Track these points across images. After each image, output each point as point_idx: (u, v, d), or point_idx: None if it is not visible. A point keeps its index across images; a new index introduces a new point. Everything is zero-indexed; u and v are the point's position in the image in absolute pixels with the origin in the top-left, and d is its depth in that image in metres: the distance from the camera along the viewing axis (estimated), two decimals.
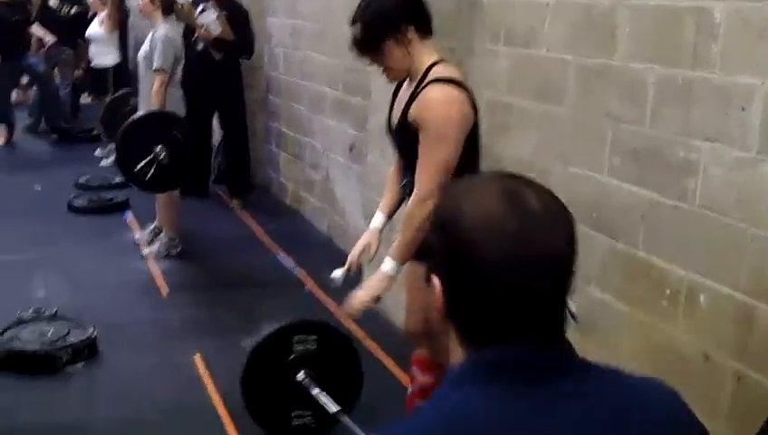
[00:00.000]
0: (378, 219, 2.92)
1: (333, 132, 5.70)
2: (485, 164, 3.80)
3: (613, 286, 3.06)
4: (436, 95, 2.54)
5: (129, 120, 4.98)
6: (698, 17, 2.63)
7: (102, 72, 8.67)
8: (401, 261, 2.58)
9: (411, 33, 2.61)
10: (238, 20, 6.53)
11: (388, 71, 2.70)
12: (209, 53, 6.45)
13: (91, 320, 4.08)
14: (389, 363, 3.96)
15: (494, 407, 0.99)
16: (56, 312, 4.20)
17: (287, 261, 5.31)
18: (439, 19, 3.87)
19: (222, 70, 6.54)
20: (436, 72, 2.59)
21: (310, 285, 4.92)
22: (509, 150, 3.65)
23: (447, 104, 2.54)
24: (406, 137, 2.63)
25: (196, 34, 6.43)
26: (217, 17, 6.38)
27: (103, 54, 8.57)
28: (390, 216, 2.94)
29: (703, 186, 2.64)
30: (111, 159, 7.38)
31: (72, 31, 9.11)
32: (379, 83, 4.41)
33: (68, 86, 9.63)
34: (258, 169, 7.20)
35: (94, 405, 3.52)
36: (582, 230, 3.19)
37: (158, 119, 4.97)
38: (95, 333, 3.97)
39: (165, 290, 4.83)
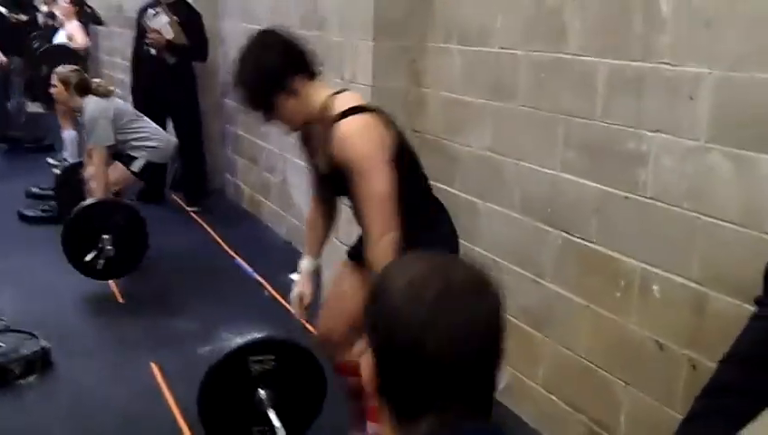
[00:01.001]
0: (306, 263, 2.86)
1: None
2: (441, 162, 3.82)
3: (568, 280, 3.07)
4: (346, 131, 2.40)
5: (69, 216, 4.85)
6: (646, 9, 2.65)
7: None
8: None
9: (298, 83, 2.49)
10: (191, 24, 6.46)
11: (286, 124, 2.60)
12: (162, 57, 6.38)
13: (45, 331, 3.99)
14: None
15: None
16: (8, 325, 4.10)
17: (245, 267, 5.26)
18: (392, 18, 3.91)
19: (175, 74, 6.47)
20: (338, 106, 2.46)
21: (269, 289, 4.87)
22: (464, 148, 3.65)
23: (360, 136, 2.41)
24: (341, 180, 2.49)
25: (148, 40, 6.37)
26: (169, 22, 6.32)
27: None
28: (318, 255, 2.89)
29: (654, 176, 2.66)
30: (65, 164, 7.26)
31: (19, 37, 8.97)
32: (333, 86, 4.40)
33: (19, 95, 9.45)
34: (215, 175, 7.13)
35: (49, 418, 3.42)
36: (537, 225, 3.20)
37: (97, 209, 4.88)
38: (48, 344, 3.88)
39: (120, 298, 4.76)
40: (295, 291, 2.84)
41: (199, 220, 6.40)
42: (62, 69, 5.32)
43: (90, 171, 5.26)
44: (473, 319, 1.03)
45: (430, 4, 3.83)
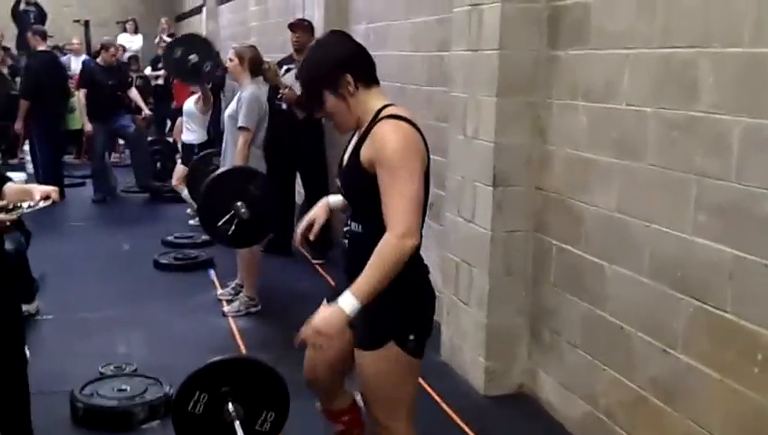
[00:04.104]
0: (336, 198, 2.90)
1: None
2: (565, 221, 3.70)
3: (700, 351, 2.87)
4: (389, 129, 2.41)
5: (208, 178, 5.06)
6: None
7: (189, 148, 8.88)
8: (363, 302, 2.32)
9: (351, 82, 2.49)
10: None
11: (334, 122, 2.60)
12: (292, 112, 6.56)
13: (170, 377, 4.08)
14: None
15: None
16: (136, 368, 4.25)
17: None
18: (516, 74, 3.86)
19: (305, 129, 6.63)
20: (386, 112, 2.48)
21: None
22: (590, 208, 3.53)
23: (404, 137, 2.40)
24: (356, 179, 2.51)
25: (280, 94, 6.57)
26: None
27: (192, 132, 8.69)
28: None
29: None
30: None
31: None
32: (456, 142, 4.38)
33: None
34: (340, 228, 7.20)
35: None
36: (667, 291, 3.03)
37: (235, 175, 5.04)
38: (172, 390, 3.97)
39: (243, 348, 4.83)
40: (310, 214, 2.91)
41: (323, 272, 6.47)
42: (240, 45, 5.57)
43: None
44: None
45: (556, 59, 3.76)
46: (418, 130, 2.49)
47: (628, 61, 3.24)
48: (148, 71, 12.26)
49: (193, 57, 7.69)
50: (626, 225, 3.27)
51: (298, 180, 7.07)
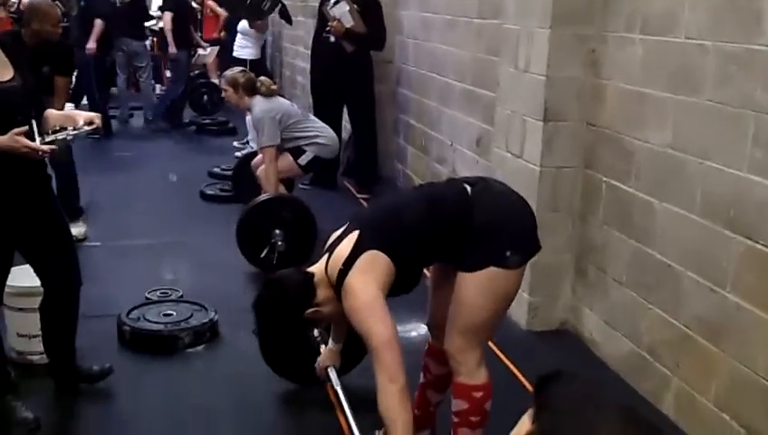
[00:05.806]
0: (336, 345, 3.12)
1: (461, 125, 5.61)
2: (616, 157, 3.63)
3: (750, 290, 2.81)
4: (345, 296, 2.53)
5: (241, 214, 5.02)
6: None
7: (241, 63, 8.95)
8: None
9: (315, 304, 2.67)
10: (371, 13, 6.54)
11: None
12: (341, 45, 6.50)
13: (215, 303, 4.15)
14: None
15: None
16: (182, 295, 4.32)
17: None
18: (571, 5, 3.75)
19: (353, 62, 6.57)
20: (332, 270, 2.58)
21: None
22: (643, 144, 3.45)
23: (355, 295, 2.50)
24: None
25: (328, 27, 6.50)
26: (350, 10, 6.42)
27: (244, 47, 8.89)
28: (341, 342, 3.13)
29: None
30: (246, 150, 7.59)
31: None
32: (506, 75, 4.30)
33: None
34: (386, 162, 7.19)
35: (212, 388, 3.56)
36: (718, 230, 2.96)
37: (267, 206, 5.00)
38: (217, 316, 4.04)
39: None
40: (324, 359, 3.12)
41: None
42: (230, 72, 5.57)
43: (260, 168, 5.45)
44: None
45: None
46: (356, 248, 2.53)
47: None
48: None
49: None
50: (679, 161, 3.19)
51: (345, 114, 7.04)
